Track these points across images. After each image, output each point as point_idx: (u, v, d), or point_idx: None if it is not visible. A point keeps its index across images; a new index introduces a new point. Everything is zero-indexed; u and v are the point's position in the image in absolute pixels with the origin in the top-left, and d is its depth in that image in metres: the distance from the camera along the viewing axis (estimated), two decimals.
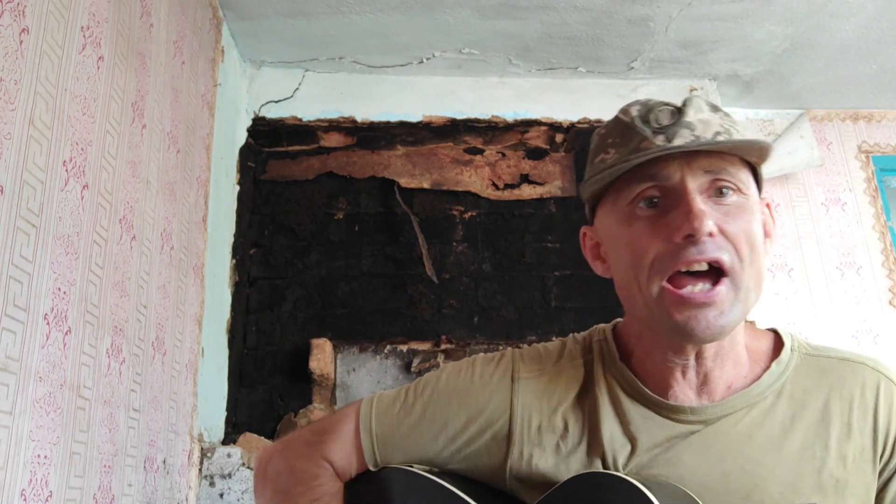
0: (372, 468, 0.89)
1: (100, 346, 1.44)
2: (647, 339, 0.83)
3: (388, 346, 2.59)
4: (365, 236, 2.71)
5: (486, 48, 2.64)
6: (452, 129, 2.80)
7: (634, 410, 0.83)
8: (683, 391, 0.82)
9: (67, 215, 1.32)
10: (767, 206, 0.84)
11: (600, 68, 2.80)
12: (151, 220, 1.75)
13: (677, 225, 0.74)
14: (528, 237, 2.77)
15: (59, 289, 1.28)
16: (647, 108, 0.79)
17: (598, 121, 2.83)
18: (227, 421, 2.35)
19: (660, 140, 0.75)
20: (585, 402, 0.85)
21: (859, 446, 0.81)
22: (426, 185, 2.77)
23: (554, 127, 2.83)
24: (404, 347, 2.59)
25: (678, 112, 0.77)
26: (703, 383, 0.82)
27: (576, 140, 2.88)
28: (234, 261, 2.50)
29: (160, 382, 1.77)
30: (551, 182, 2.85)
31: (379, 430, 0.89)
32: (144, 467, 1.66)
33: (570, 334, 0.95)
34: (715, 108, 0.81)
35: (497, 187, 2.81)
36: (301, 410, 2.44)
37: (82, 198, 1.38)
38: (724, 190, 0.76)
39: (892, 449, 0.82)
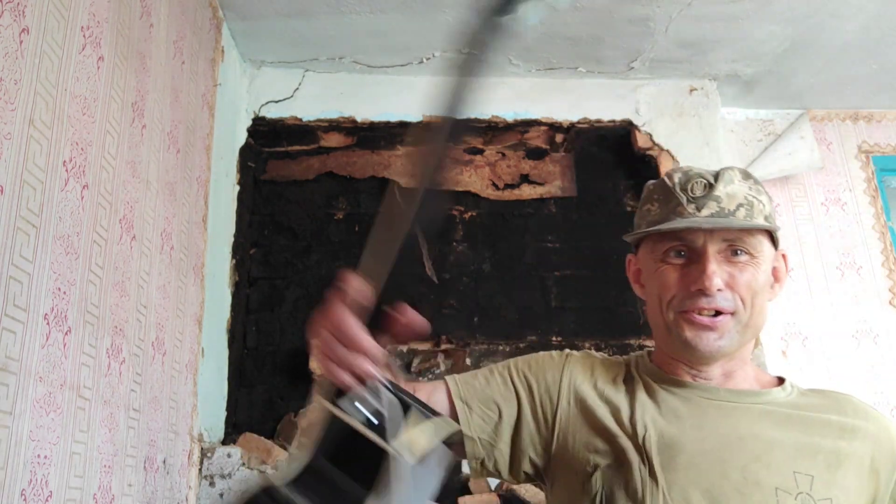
0: (454, 394, 1.01)
1: (100, 346, 1.44)
2: (669, 359, 1.01)
3: (388, 346, 2.59)
4: (365, 236, 2.70)
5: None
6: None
7: (660, 387, 0.99)
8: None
9: (67, 215, 1.32)
10: (783, 256, 1.01)
11: (600, 68, 2.80)
12: (151, 220, 1.75)
13: (694, 278, 0.93)
14: (528, 237, 2.77)
15: (59, 289, 1.28)
16: (687, 178, 0.97)
17: (598, 121, 2.83)
18: (227, 421, 2.35)
19: (691, 208, 0.95)
20: (625, 385, 1.02)
21: (854, 449, 0.92)
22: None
23: (554, 127, 2.82)
24: (404, 347, 2.59)
25: (709, 186, 0.95)
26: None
27: (576, 140, 2.87)
28: (234, 261, 2.50)
29: (160, 382, 1.77)
30: (551, 182, 2.85)
31: (461, 379, 1.06)
32: (144, 467, 1.66)
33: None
34: (746, 176, 0.98)
35: (497, 187, 2.81)
36: (301, 410, 2.44)
37: (82, 198, 1.38)
38: (738, 252, 0.94)
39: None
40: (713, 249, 0.93)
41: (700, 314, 0.93)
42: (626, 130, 2.85)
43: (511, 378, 1.04)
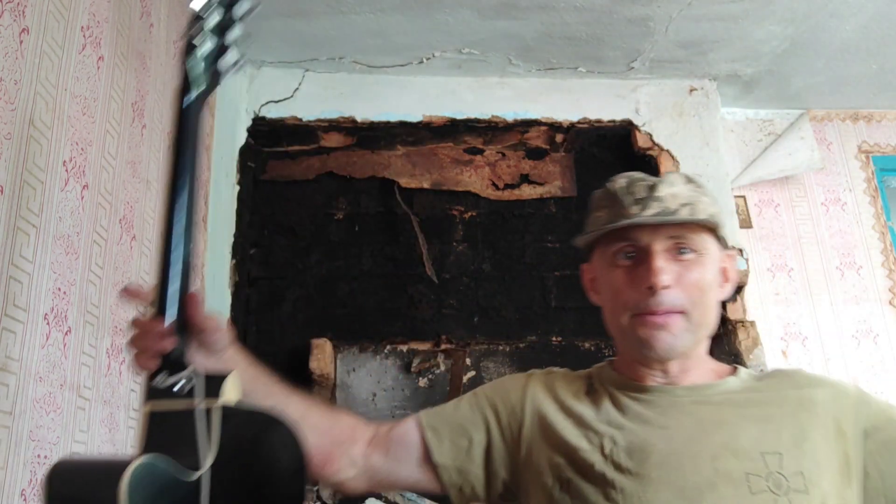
0: (423, 424, 1.04)
1: (100, 346, 1.44)
2: (630, 362, 1.03)
3: (388, 346, 2.59)
4: (365, 236, 2.71)
5: (486, 48, 2.64)
6: (452, 129, 2.80)
7: (623, 395, 1.01)
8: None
9: (67, 215, 1.32)
10: (729, 256, 1.03)
11: (600, 68, 2.80)
12: (151, 220, 1.75)
13: (642, 277, 0.96)
14: (528, 237, 2.77)
15: (59, 289, 1.28)
16: (630, 182, 1.01)
17: (598, 121, 2.83)
18: None
19: (635, 209, 0.97)
20: (588, 397, 1.04)
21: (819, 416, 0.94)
22: (426, 185, 2.77)
23: (554, 127, 2.82)
24: (404, 347, 2.59)
25: (651, 188, 0.98)
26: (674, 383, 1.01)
27: (576, 140, 2.87)
28: (234, 261, 2.50)
29: None
30: (551, 182, 2.85)
31: (430, 410, 1.09)
32: None
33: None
34: (689, 180, 1.01)
35: (497, 187, 2.81)
36: None
37: (82, 198, 1.38)
38: (683, 249, 0.97)
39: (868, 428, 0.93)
40: (659, 247, 0.96)
41: (654, 316, 0.95)
42: (626, 130, 2.85)
43: (478, 404, 1.05)
